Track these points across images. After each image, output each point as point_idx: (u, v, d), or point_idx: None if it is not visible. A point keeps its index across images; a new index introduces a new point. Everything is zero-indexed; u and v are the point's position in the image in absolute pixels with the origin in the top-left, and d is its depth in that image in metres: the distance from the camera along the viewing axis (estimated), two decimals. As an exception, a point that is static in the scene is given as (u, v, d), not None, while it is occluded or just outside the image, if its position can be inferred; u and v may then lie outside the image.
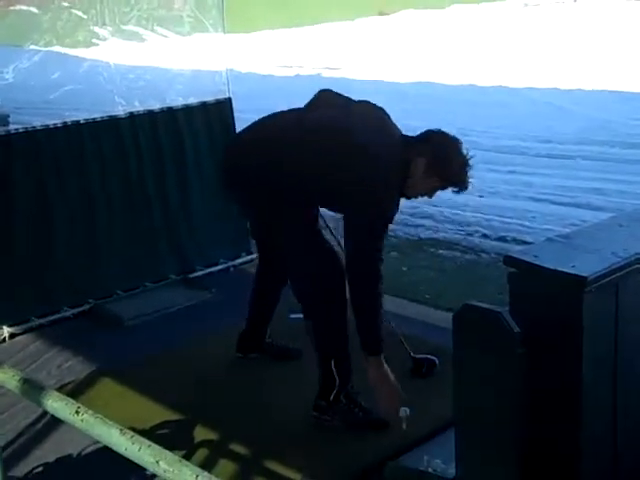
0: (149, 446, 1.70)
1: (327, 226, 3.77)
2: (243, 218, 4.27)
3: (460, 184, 3.32)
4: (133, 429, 1.82)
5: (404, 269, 5.55)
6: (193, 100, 5.23)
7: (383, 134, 3.38)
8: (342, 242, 3.37)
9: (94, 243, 4.76)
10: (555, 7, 23.32)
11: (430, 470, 2.93)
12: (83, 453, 3.17)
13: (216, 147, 5.06)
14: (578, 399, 2.22)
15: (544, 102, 11.18)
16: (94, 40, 6.13)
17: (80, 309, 4.65)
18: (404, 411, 3.26)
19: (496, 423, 2.29)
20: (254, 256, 5.22)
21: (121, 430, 1.77)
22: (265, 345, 3.99)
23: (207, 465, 3.10)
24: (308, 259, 3.36)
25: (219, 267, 5.22)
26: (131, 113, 4.97)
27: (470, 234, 6.21)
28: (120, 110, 4.97)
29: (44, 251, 4.56)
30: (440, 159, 3.29)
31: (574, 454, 2.26)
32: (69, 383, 3.82)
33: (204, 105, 5.24)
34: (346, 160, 3.19)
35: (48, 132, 4.63)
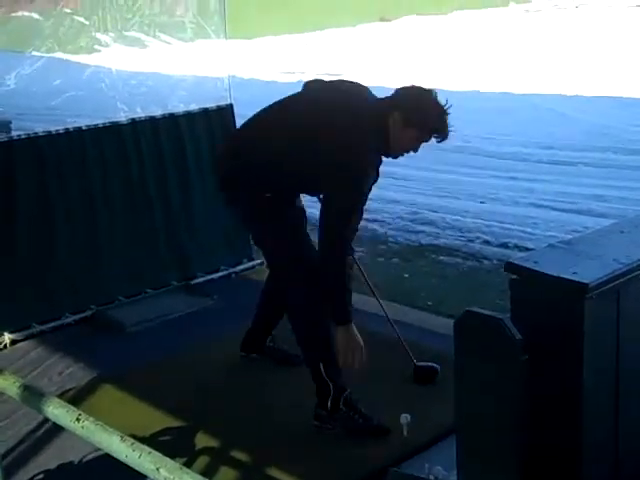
0: (150, 453, 1.70)
1: None
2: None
3: (440, 131, 3.31)
4: (134, 436, 1.81)
5: (405, 275, 5.55)
6: (195, 106, 5.24)
7: (351, 106, 3.38)
8: None
9: (96, 249, 4.76)
10: (557, 13, 23.36)
11: (431, 477, 2.93)
12: (84, 460, 3.17)
13: (218, 153, 5.07)
14: (579, 405, 2.22)
15: (546, 108, 11.19)
16: (96, 46, 6.14)
17: (82, 315, 4.64)
18: (405, 418, 3.26)
19: (497, 430, 2.29)
20: (256, 262, 5.23)
21: (122, 437, 1.77)
22: (266, 348, 3.99)
23: (208, 472, 3.10)
24: (289, 260, 3.41)
25: (220, 274, 5.22)
26: (133, 119, 4.97)
27: (471, 240, 6.20)
28: (122, 116, 4.98)
29: (46, 257, 4.56)
30: (415, 108, 3.30)
31: (575, 460, 2.25)
32: (70, 390, 3.81)
33: (206, 111, 5.25)
34: (320, 143, 3.22)
35: (50, 138, 4.63)
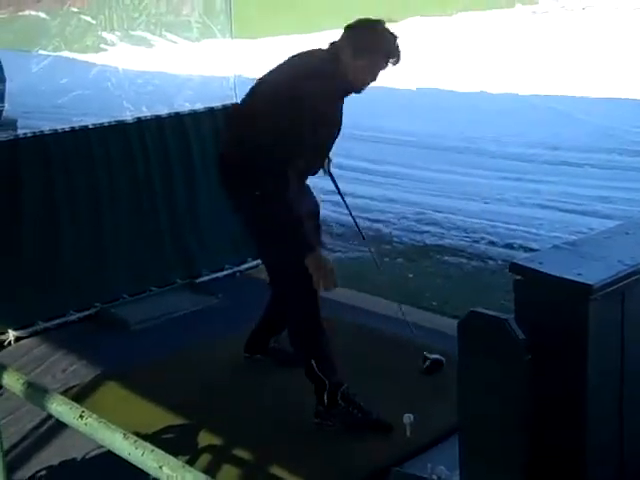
0: (152, 451, 1.70)
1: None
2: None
3: (392, 53, 3.36)
4: (137, 433, 1.82)
5: (410, 275, 5.54)
6: (200, 106, 5.24)
7: (299, 61, 3.44)
8: None
9: (101, 247, 4.77)
10: (563, 15, 23.31)
11: (434, 477, 2.93)
12: (87, 457, 3.17)
13: (223, 152, 5.07)
14: (583, 406, 2.21)
15: (552, 109, 11.18)
16: (103, 45, 6.15)
17: (86, 313, 4.65)
18: (408, 417, 3.26)
19: (501, 430, 2.28)
20: (260, 261, 5.22)
21: (125, 434, 1.77)
22: (270, 349, 3.99)
23: (211, 470, 3.10)
24: (291, 273, 3.39)
25: (225, 272, 5.23)
26: (139, 118, 4.98)
27: (476, 241, 6.20)
28: (128, 115, 4.98)
29: (50, 255, 4.58)
30: (364, 37, 3.34)
31: (579, 461, 2.25)
32: (74, 387, 3.82)
33: (211, 111, 5.25)
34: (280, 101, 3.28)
35: (56, 136, 4.64)
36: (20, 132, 4.96)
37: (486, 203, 7.27)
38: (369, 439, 3.30)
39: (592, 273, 2.23)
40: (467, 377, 2.33)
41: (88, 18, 5.62)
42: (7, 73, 5.79)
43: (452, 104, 11.89)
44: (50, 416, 3.07)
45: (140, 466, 1.71)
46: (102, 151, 4.79)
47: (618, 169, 8.28)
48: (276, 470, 3.14)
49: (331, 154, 3.74)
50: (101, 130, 4.82)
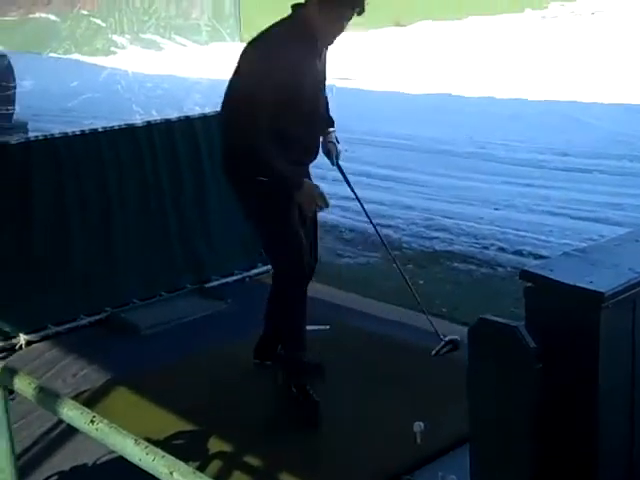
0: (163, 457, 1.70)
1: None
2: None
3: (356, 3, 3.40)
4: (148, 439, 1.82)
5: (419, 282, 5.52)
6: (210, 109, 5.25)
7: (265, 33, 3.57)
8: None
9: (111, 251, 4.78)
10: (573, 20, 23.28)
11: (445, 485, 2.92)
12: (98, 462, 3.18)
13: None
14: (594, 414, 2.21)
15: (562, 115, 11.15)
16: (113, 48, 6.19)
17: (97, 317, 4.66)
18: (418, 425, 3.25)
19: (512, 438, 2.28)
20: (270, 267, 5.22)
21: (136, 440, 1.77)
22: (277, 356, 3.97)
23: (221, 477, 3.11)
24: (284, 260, 3.63)
25: (235, 277, 5.22)
26: (148, 122, 4.99)
27: (486, 247, 6.19)
28: (138, 119, 5.00)
29: (61, 259, 4.59)
30: None
31: (590, 469, 2.24)
32: (85, 392, 3.82)
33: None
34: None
35: (66, 140, 4.66)
36: (31, 135, 4.98)
37: (496, 209, 7.26)
38: (380, 447, 3.29)
39: (603, 281, 2.22)
40: (477, 385, 2.33)
41: (98, 21, 5.67)
42: (18, 75, 5.82)
43: (461, 109, 11.88)
44: (61, 421, 3.08)
45: (151, 472, 1.72)
46: (112, 154, 4.80)
47: (629, 175, 8.25)
48: (286, 477, 3.13)
49: (339, 146, 3.81)
50: (111, 133, 4.83)
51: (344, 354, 4.12)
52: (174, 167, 5.06)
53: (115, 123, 4.93)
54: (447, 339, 3.83)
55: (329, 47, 3.63)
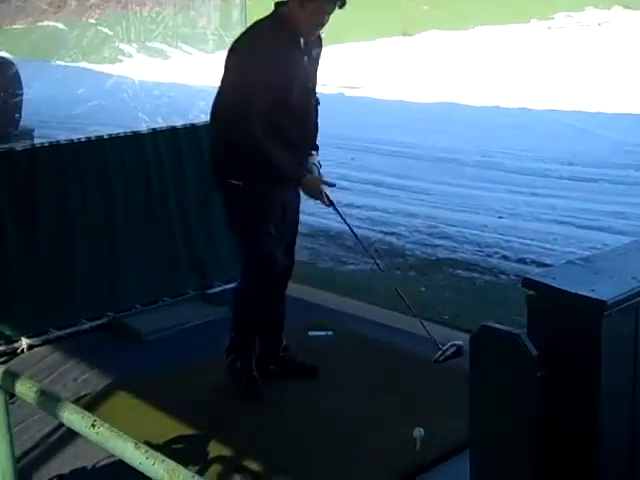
0: (163, 461, 1.70)
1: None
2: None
3: None
4: (148, 443, 1.82)
5: (422, 289, 5.53)
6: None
7: (247, 32, 3.66)
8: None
9: (114, 257, 4.79)
10: (579, 30, 23.29)
11: (445, 492, 2.92)
12: (97, 466, 3.18)
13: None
14: (596, 422, 2.20)
15: (567, 124, 11.16)
16: (119, 56, 6.20)
17: (99, 322, 4.66)
18: (418, 432, 3.25)
19: (512, 445, 2.27)
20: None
21: (136, 444, 1.77)
22: (280, 359, 3.98)
23: (221, 481, 3.10)
24: (254, 259, 3.73)
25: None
26: (154, 129, 5.01)
27: (489, 255, 6.19)
28: (143, 126, 5.01)
29: (65, 263, 4.60)
30: None
31: (592, 476, 2.23)
32: (85, 396, 3.83)
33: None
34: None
35: (72, 146, 4.68)
36: (37, 141, 5.00)
37: (500, 217, 7.26)
38: (380, 453, 3.28)
39: (606, 289, 2.22)
40: (478, 391, 2.32)
41: (106, 29, 5.67)
42: (25, 83, 5.83)
43: (467, 118, 11.90)
44: (61, 424, 3.08)
45: (151, 476, 1.72)
46: (117, 161, 4.81)
47: (634, 185, 8.25)
48: (286, 482, 3.13)
49: (329, 191, 3.70)
50: (116, 140, 4.84)
51: (346, 360, 4.12)
52: (179, 174, 5.07)
53: (121, 130, 4.95)
54: (449, 344, 3.81)
55: (321, 47, 3.67)
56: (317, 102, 3.80)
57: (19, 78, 5.79)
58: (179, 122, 5.15)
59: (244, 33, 3.69)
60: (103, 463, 3.14)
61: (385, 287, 4.65)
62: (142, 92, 5.49)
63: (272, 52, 3.41)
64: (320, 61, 3.73)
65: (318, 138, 3.85)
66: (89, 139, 4.76)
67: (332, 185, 3.67)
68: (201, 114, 5.34)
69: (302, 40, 3.53)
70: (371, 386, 3.81)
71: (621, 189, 8.12)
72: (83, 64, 6.88)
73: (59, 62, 6.07)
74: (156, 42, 5.91)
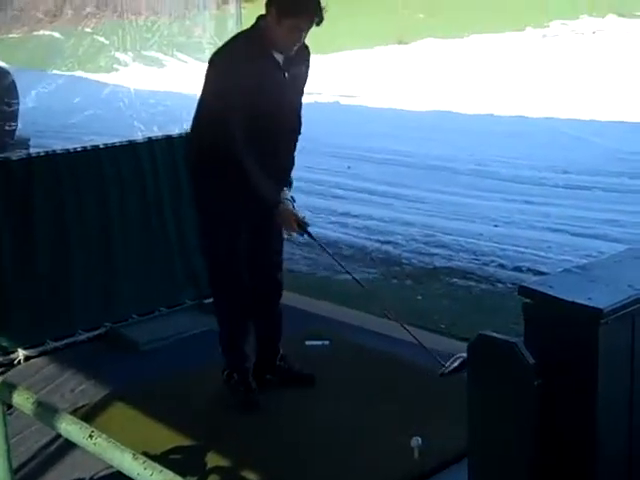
0: (161, 471, 1.71)
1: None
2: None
3: (314, 13, 3.40)
4: (146, 454, 1.82)
5: (418, 297, 5.54)
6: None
7: (224, 47, 3.66)
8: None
9: (110, 267, 4.79)
10: (573, 38, 23.38)
11: (442, 501, 2.91)
12: (95, 477, 3.17)
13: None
14: (593, 430, 2.20)
15: (562, 132, 11.19)
16: (115, 65, 6.20)
17: (95, 333, 4.66)
18: (416, 440, 3.25)
19: (510, 453, 2.28)
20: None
21: (134, 455, 1.77)
22: (276, 368, 3.97)
23: (218, 492, 3.09)
24: (217, 261, 3.79)
25: (234, 293, 5.22)
26: (149, 138, 5.01)
27: (485, 264, 6.19)
28: (139, 135, 5.02)
29: (61, 274, 4.59)
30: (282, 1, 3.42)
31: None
32: (83, 406, 3.82)
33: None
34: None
35: (68, 156, 4.68)
36: (32, 151, 4.99)
37: (495, 226, 7.27)
38: (377, 462, 3.28)
39: (602, 297, 2.22)
40: (476, 400, 2.33)
41: (101, 38, 5.66)
42: (21, 92, 5.84)
43: (462, 126, 11.92)
44: (58, 436, 3.07)
45: (149, 487, 1.71)
46: (113, 171, 4.81)
47: (628, 193, 8.27)
48: (283, 492, 3.13)
49: (296, 206, 3.67)
50: (112, 150, 4.85)
51: (343, 369, 4.12)
52: (175, 183, 5.07)
53: (117, 139, 4.96)
54: (455, 357, 3.75)
55: (307, 62, 3.63)
56: (297, 130, 3.73)
57: (15, 87, 5.79)
58: (175, 131, 5.16)
59: (223, 46, 3.66)
60: (101, 474, 3.13)
61: (383, 296, 4.66)
62: (138, 101, 5.48)
63: (244, 68, 3.37)
64: (306, 76, 3.67)
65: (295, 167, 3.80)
66: (85, 148, 4.76)
67: (306, 225, 3.60)
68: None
69: (281, 56, 3.49)
70: (368, 395, 3.81)
71: (615, 197, 8.14)
72: (79, 73, 6.87)
73: (55, 71, 6.06)
74: (152, 51, 5.91)
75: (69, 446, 3.20)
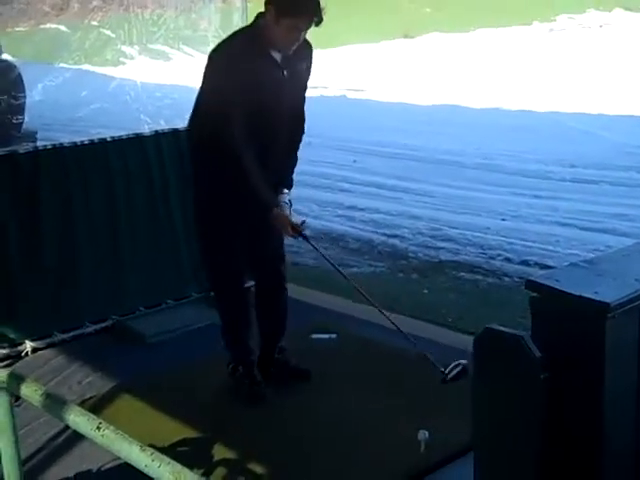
0: (169, 463, 1.71)
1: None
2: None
3: (313, 13, 3.37)
4: (153, 446, 1.82)
5: (425, 291, 5.53)
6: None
7: (221, 44, 3.61)
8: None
9: (117, 260, 4.80)
10: (581, 32, 23.31)
11: (449, 494, 2.92)
12: (103, 469, 3.18)
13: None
14: (600, 424, 2.20)
15: (569, 126, 11.16)
16: (122, 59, 6.20)
17: (102, 325, 4.67)
18: (423, 434, 3.25)
19: (516, 447, 2.27)
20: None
21: (141, 447, 1.78)
22: (275, 361, 3.96)
23: (225, 484, 3.11)
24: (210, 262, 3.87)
25: (240, 286, 5.22)
26: (156, 131, 5.02)
27: (492, 257, 6.19)
28: (146, 128, 5.02)
29: (68, 267, 4.60)
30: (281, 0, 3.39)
31: (595, 478, 2.24)
32: (90, 398, 3.83)
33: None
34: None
35: (75, 149, 4.69)
36: (40, 144, 5.01)
37: (503, 220, 7.26)
38: (384, 455, 3.29)
39: (609, 291, 2.22)
40: (482, 394, 2.32)
41: (108, 32, 5.67)
42: (28, 85, 5.85)
43: (469, 120, 11.90)
44: (66, 428, 3.09)
45: (156, 478, 1.72)
46: (120, 164, 4.82)
47: (636, 187, 8.24)
48: (290, 484, 3.14)
49: (292, 210, 3.66)
50: (119, 143, 4.85)
51: (349, 363, 4.12)
52: (181, 176, 5.07)
53: (123, 132, 4.96)
54: (454, 364, 3.73)
55: (309, 58, 3.59)
56: (298, 128, 3.69)
57: (22, 81, 5.81)
58: (181, 124, 5.16)
59: (221, 43, 3.63)
60: (108, 466, 3.14)
61: (389, 290, 4.66)
62: (144, 94, 5.49)
63: (241, 67, 3.35)
64: (308, 73, 3.63)
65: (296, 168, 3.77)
66: (92, 142, 4.77)
67: (302, 229, 3.60)
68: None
69: (279, 54, 3.46)
70: (374, 389, 3.81)
71: (623, 191, 8.11)
72: (86, 66, 6.89)
73: (62, 65, 6.07)
74: (158, 44, 5.92)
75: (77, 438, 3.22)
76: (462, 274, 5.83)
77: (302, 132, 3.72)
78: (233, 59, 3.41)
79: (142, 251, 4.89)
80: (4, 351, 4.29)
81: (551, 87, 14.26)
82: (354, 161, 9.84)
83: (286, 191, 3.64)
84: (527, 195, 8.09)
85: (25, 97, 5.64)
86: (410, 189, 8.50)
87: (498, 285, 5.60)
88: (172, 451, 3.20)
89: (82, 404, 3.59)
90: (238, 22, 5.44)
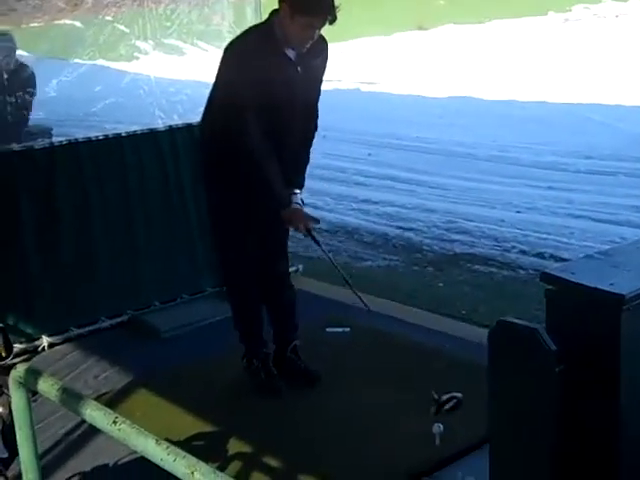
0: (184, 457, 1.72)
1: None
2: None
3: (327, 12, 3.35)
4: (168, 440, 1.83)
5: (439, 284, 5.53)
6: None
7: (235, 41, 3.61)
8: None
9: (133, 255, 4.82)
10: (596, 22, 23.14)
11: (464, 487, 2.92)
12: (119, 463, 3.20)
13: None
14: (616, 416, 2.19)
15: (585, 118, 11.09)
16: (136, 54, 6.22)
17: (118, 320, 4.70)
18: (438, 427, 3.25)
19: (531, 440, 2.27)
20: (291, 270, 5.23)
21: (157, 441, 1.79)
22: (286, 359, 3.94)
23: (240, 477, 3.12)
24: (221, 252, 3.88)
25: (255, 280, 5.23)
26: (170, 126, 5.03)
27: (507, 250, 6.17)
28: (160, 123, 5.04)
29: (85, 262, 4.63)
30: None
31: (611, 471, 2.23)
32: (106, 393, 3.86)
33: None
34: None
35: (90, 144, 4.71)
36: (55, 140, 5.03)
37: (518, 212, 7.24)
38: (400, 448, 3.29)
39: (625, 283, 2.21)
40: (497, 387, 2.32)
41: (122, 27, 5.69)
42: (42, 81, 5.90)
43: (483, 112, 11.85)
44: (82, 422, 3.11)
45: (172, 472, 1.73)
46: (135, 159, 4.84)
47: (653, 178, 8.19)
48: (303, 477, 3.14)
49: (306, 209, 3.65)
50: (134, 138, 4.87)
51: (363, 356, 4.12)
52: (196, 171, 5.08)
53: (138, 127, 4.98)
54: (448, 396, 3.66)
55: (324, 56, 3.57)
56: (311, 126, 3.67)
57: (34, 78, 5.87)
58: (195, 119, 5.16)
59: (235, 39, 3.62)
60: (124, 460, 3.16)
61: (403, 283, 4.66)
62: (158, 89, 5.51)
63: (254, 64, 3.34)
64: (323, 69, 3.61)
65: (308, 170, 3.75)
66: (107, 137, 4.78)
67: (316, 222, 3.66)
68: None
69: (293, 51, 3.44)
70: (389, 381, 3.81)
71: (639, 182, 8.06)
72: (100, 62, 6.90)
73: (76, 60, 6.10)
74: (172, 39, 5.93)
75: (93, 432, 3.24)
76: (477, 267, 5.82)
77: (315, 129, 3.71)
78: (245, 56, 3.40)
79: (157, 246, 4.91)
80: (21, 346, 4.32)
81: (566, 78, 14.18)
82: (369, 154, 9.83)
83: (297, 191, 3.62)
84: (542, 187, 8.06)
85: (35, 94, 5.71)
86: (424, 182, 8.49)
87: (513, 277, 5.58)
88: (187, 445, 3.21)
89: (98, 399, 3.61)
90: (251, 16, 5.44)
